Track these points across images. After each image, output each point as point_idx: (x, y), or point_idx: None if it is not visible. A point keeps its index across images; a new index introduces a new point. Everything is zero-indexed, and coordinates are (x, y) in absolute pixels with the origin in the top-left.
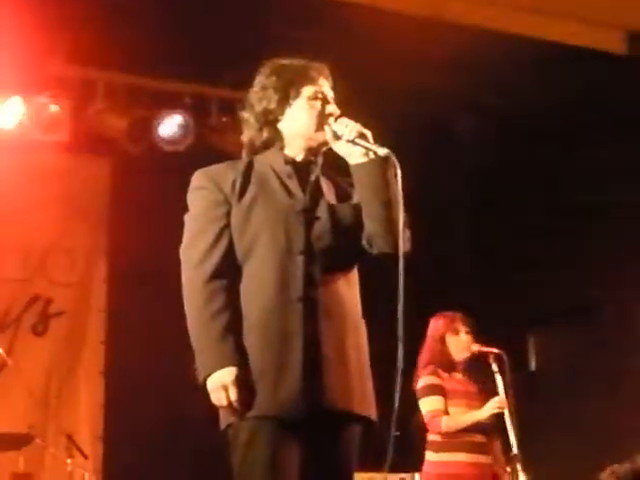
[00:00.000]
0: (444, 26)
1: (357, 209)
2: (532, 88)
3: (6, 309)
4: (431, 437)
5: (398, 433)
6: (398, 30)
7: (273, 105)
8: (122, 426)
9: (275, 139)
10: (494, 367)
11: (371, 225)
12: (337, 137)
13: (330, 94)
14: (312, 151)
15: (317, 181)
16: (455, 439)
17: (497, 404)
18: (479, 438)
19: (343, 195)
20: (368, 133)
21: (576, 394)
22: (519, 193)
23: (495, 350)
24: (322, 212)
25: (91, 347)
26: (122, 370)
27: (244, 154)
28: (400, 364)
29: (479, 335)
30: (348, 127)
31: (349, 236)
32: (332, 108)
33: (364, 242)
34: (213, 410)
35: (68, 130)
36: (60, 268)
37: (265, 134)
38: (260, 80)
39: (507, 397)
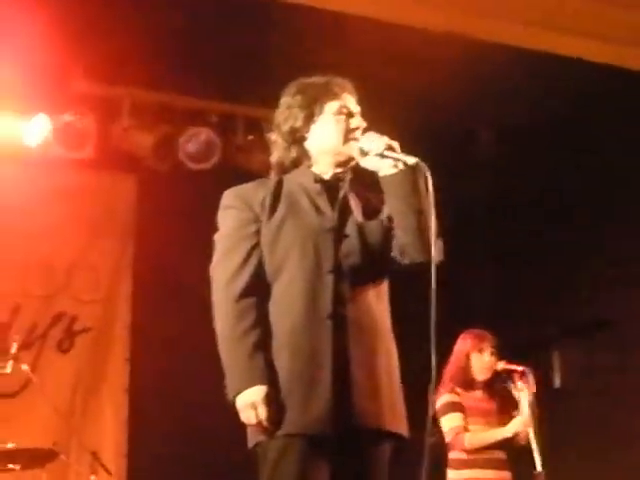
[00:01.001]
0: (463, 42)
1: (386, 225)
2: (549, 102)
3: (31, 326)
4: (453, 455)
5: (434, 439)
6: (416, 45)
7: (299, 123)
8: (146, 443)
9: (303, 157)
10: (519, 384)
11: (403, 235)
12: (364, 153)
13: (355, 108)
14: (341, 166)
15: (346, 199)
16: (477, 456)
17: (522, 422)
18: (500, 455)
19: (372, 212)
20: (395, 144)
21: (601, 411)
22: (540, 208)
23: (520, 367)
24: (351, 230)
25: (116, 364)
26: (147, 387)
27: (273, 174)
28: (434, 373)
29: (504, 352)
30: (375, 142)
31: (378, 252)
32: (357, 122)
33: (396, 253)
34: (239, 428)
35: (94, 147)
36: (85, 285)
37: (293, 153)
38: (285, 100)
39: (532, 414)
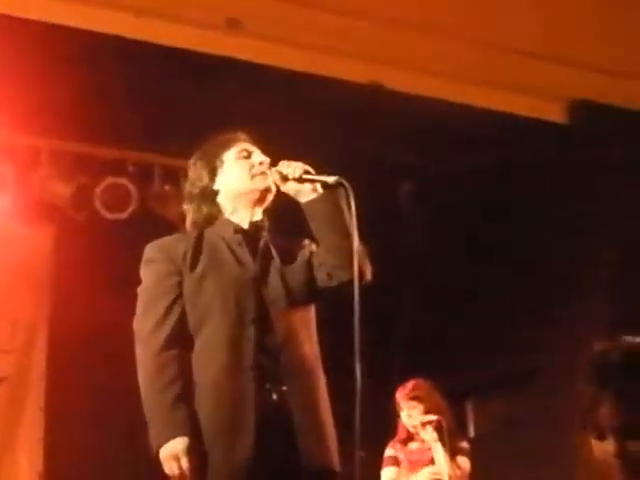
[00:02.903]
0: (384, 94)
1: (308, 260)
2: (471, 155)
3: None
4: None
5: (363, 454)
6: (336, 96)
7: (205, 180)
8: None
9: (217, 213)
10: (433, 435)
11: (330, 257)
12: (284, 178)
13: (254, 150)
14: (260, 204)
15: (266, 246)
16: None
17: (432, 474)
18: None
19: (292, 255)
20: (311, 170)
21: (510, 459)
22: (461, 256)
23: (434, 417)
24: (273, 277)
25: (30, 414)
26: (62, 438)
27: (191, 230)
28: (358, 385)
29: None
30: (292, 166)
31: (304, 292)
32: (259, 157)
33: (323, 277)
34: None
35: (12, 197)
36: (2, 335)
37: (206, 210)
38: (190, 170)
39: (448, 462)
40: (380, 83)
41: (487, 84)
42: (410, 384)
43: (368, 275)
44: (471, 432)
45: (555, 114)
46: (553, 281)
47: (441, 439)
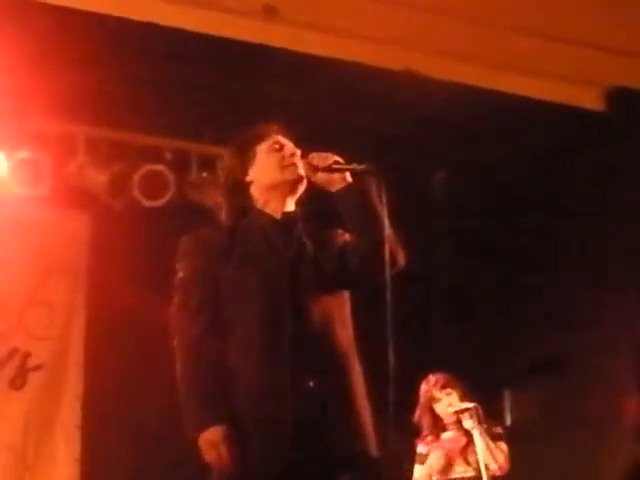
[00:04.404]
0: (420, 81)
1: (342, 248)
2: (507, 144)
3: None
4: None
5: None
6: (371, 84)
7: (238, 172)
8: None
9: (250, 203)
10: (471, 422)
11: (363, 245)
12: (313, 168)
13: (287, 142)
14: (292, 195)
15: (300, 235)
16: None
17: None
18: None
19: (326, 243)
20: (340, 159)
21: (547, 447)
22: (492, 248)
23: (470, 405)
24: (307, 266)
25: (68, 401)
26: (99, 425)
27: (225, 221)
28: (391, 372)
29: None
30: (321, 157)
31: (338, 279)
32: (291, 149)
33: (356, 264)
34: (196, 463)
35: (48, 184)
36: (39, 322)
37: (239, 202)
38: (224, 162)
39: (487, 448)
40: (415, 70)
41: (523, 71)
42: (434, 377)
43: (401, 261)
44: (507, 420)
45: (592, 101)
46: (590, 266)
47: (480, 425)
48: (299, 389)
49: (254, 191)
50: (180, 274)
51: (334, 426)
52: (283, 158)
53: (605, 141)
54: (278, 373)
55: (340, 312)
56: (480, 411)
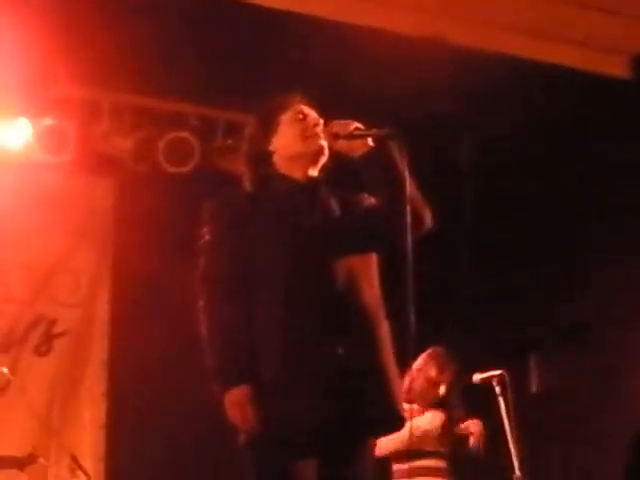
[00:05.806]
0: (446, 47)
1: (369, 210)
2: (532, 111)
3: (10, 329)
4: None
5: None
6: (399, 50)
7: (261, 140)
8: (124, 447)
9: (273, 170)
10: (497, 389)
11: (387, 208)
12: (335, 136)
13: (310, 112)
14: (314, 165)
15: (324, 199)
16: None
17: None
18: (433, 463)
19: (351, 206)
20: (361, 126)
21: (576, 415)
22: (520, 214)
23: (497, 372)
24: (332, 229)
25: (94, 367)
26: (125, 391)
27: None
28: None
29: (480, 358)
30: (342, 124)
31: (363, 241)
32: (314, 119)
33: (381, 227)
34: (220, 430)
35: (73, 151)
36: (65, 288)
37: (261, 171)
38: (248, 130)
39: (509, 419)
40: (442, 36)
41: (549, 38)
42: (433, 350)
43: (427, 221)
44: (533, 388)
45: (618, 68)
46: (619, 232)
47: (504, 393)
48: (327, 351)
49: (277, 160)
50: (206, 237)
51: (362, 386)
52: (306, 128)
53: (631, 108)
54: (305, 334)
55: (367, 272)
56: (507, 380)
